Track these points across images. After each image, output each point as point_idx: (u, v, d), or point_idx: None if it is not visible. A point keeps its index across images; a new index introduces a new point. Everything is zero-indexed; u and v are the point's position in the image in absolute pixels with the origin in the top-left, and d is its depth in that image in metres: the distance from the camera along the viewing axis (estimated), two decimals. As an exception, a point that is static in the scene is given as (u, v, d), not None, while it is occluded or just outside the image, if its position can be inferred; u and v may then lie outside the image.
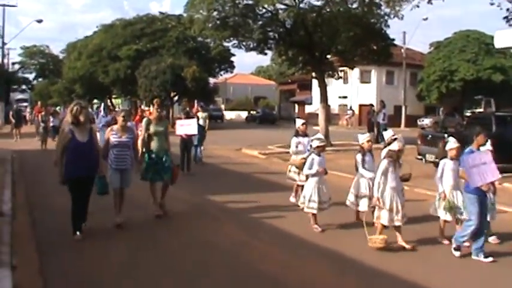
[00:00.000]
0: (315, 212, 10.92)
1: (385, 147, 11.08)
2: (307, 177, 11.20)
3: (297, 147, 13.39)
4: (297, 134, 13.60)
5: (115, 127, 11.24)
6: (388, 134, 11.05)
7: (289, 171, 13.68)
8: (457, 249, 9.29)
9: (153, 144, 11.99)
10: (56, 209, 12.02)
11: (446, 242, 9.93)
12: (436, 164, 18.59)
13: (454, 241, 9.34)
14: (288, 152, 26.48)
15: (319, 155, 11.00)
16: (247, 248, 9.82)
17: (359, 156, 11.46)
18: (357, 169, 11.52)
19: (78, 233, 9.96)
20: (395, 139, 10.09)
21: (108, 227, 10.75)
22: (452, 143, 10.15)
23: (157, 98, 12.65)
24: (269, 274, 8.28)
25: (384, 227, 9.75)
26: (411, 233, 10.21)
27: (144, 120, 12.49)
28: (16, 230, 10.34)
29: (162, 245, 9.94)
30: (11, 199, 13.25)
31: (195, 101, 51.37)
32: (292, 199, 13.56)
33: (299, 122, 13.80)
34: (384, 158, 9.94)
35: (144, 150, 11.97)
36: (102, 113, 26.83)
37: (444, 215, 10.13)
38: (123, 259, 8.94)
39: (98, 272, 8.25)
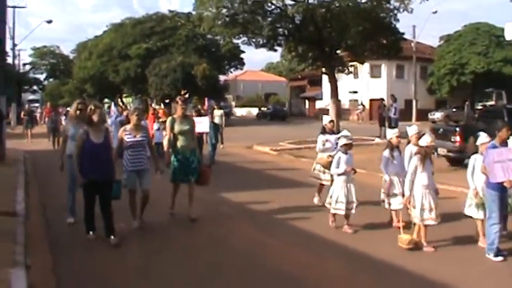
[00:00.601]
0: (342, 213, 10.58)
1: (408, 143, 10.94)
2: (332, 176, 10.98)
3: (323, 145, 12.78)
4: (323, 132, 13.02)
5: (128, 127, 10.81)
6: (412, 130, 10.83)
7: (314, 169, 13.13)
8: (496, 255, 8.80)
9: (179, 144, 11.39)
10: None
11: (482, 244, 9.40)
12: (450, 158, 18.80)
13: (489, 252, 8.87)
14: (300, 148, 26.78)
15: (346, 153, 10.70)
16: (262, 246, 9.78)
17: (386, 152, 10.81)
18: (386, 165, 10.89)
19: (91, 232, 9.85)
20: (423, 134, 9.77)
21: (120, 227, 10.37)
22: (483, 138, 9.62)
23: (181, 95, 11.99)
24: (286, 273, 8.24)
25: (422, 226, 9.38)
26: (437, 231, 9.78)
27: (169, 119, 11.92)
28: (30, 230, 10.36)
29: (176, 245, 9.90)
30: (24, 199, 13.29)
31: (206, 99, 51.35)
32: (316, 200, 13.04)
33: (326, 119, 13.26)
34: (414, 154, 9.65)
35: (170, 150, 11.53)
36: (114, 111, 26.77)
37: (476, 214, 9.63)
38: (137, 259, 8.94)
39: (110, 272, 8.27)
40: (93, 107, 9.89)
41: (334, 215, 10.80)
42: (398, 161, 10.76)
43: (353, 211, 10.60)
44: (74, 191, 11.09)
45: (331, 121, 13.29)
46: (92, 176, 9.50)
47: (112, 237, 9.58)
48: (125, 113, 23.97)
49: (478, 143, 9.67)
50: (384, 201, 10.88)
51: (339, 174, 10.62)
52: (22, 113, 37.11)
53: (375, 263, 8.77)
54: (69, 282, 7.80)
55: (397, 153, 10.82)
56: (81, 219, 10.26)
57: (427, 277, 7.99)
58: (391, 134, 11.05)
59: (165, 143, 11.99)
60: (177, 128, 11.41)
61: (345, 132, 11.12)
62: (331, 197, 10.73)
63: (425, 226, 9.36)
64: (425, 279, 7.93)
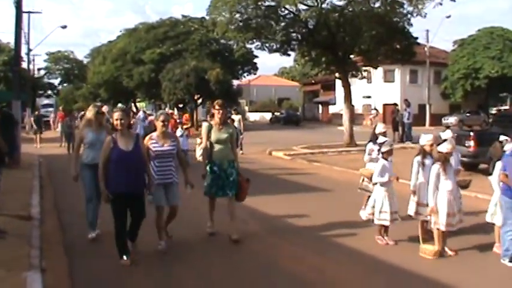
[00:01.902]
0: (387, 224, 10.00)
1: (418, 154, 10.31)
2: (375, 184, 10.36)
3: (370, 154, 11.85)
4: (374, 140, 11.79)
5: (154, 134, 9.56)
6: (446, 135, 10.33)
7: (363, 180, 11.97)
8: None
9: (215, 154, 10.21)
10: (83, 212, 12.09)
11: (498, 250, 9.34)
12: (464, 164, 18.69)
13: (504, 257, 8.84)
14: (313, 153, 26.74)
15: (387, 160, 10.18)
16: (276, 250, 9.78)
17: (418, 159, 10.11)
18: (418, 172, 10.12)
19: (125, 257, 8.67)
20: (445, 140, 9.58)
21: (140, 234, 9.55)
22: None
23: (219, 99, 10.86)
24: (299, 276, 8.28)
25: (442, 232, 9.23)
26: (452, 237, 9.72)
27: (205, 125, 10.58)
28: (45, 234, 10.45)
29: (190, 250, 9.82)
30: (40, 203, 13.39)
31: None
32: (363, 213, 11.40)
33: (380, 128, 11.90)
34: (434, 162, 9.40)
35: (206, 161, 10.28)
36: (141, 117, 26.55)
37: (500, 221, 9.33)
38: (156, 267, 8.86)
39: (126, 277, 8.27)
40: (119, 112, 8.81)
41: (385, 229, 10.15)
42: (430, 169, 9.75)
43: (398, 221, 10.11)
44: (95, 204, 10.27)
45: (386, 132, 11.95)
46: (119, 190, 8.38)
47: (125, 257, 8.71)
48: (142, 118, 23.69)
49: (507, 148, 9.27)
50: (412, 209, 10.24)
51: (383, 184, 10.07)
52: (32, 119, 36.71)
53: (392, 269, 8.74)
54: (84, 286, 7.87)
55: (429, 160, 9.95)
56: (104, 234, 10.02)
57: (441, 282, 7.98)
58: (425, 140, 10.22)
59: (200, 152, 10.64)
60: (214, 136, 10.25)
61: (383, 138, 10.68)
62: (373, 207, 10.12)
63: (446, 232, 9.26)
64: (439, 284, 7.92)
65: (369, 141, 12.09)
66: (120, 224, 8.57)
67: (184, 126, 22.46)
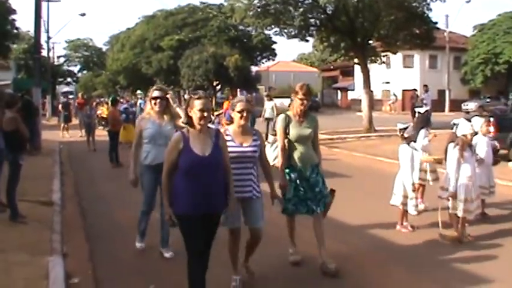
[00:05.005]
0: (414, 213, 9.68)
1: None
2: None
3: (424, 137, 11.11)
4: (426, 125, 11.30)
5: (230, 129, 6.82)
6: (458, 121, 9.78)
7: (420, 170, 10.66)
8: None
9: (295, 156, 7.67)
10: (103, 197, 12.21)
11: None
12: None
13: None
14: (332, 139, 26.66)
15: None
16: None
17: (457, 154, 9.05)
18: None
19: None
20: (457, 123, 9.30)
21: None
22: None
23: (303, 84, 7.83)
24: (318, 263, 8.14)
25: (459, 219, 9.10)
26: (476, 223, 9.72)
27: (281, 117, 7.87)
28: (66, 219, 10.56)
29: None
30: (60, 189, 13.51)
31: (238, 90, 51.35)
32: (421, 205, 10.64)
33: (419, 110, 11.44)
34: (454, 147, 9.11)
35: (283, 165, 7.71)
36: (141, 105, 25.31)
37: None
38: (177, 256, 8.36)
39: (146, 262, 8.26)
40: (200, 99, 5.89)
41: (405, 212, 9.74)
42: (471, 162, 9.25)
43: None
44: (149, 216, 8.56)
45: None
46: (191, 210, 5.83)
47: None
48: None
49: None
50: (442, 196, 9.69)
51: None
52: (60, 106, 35.33)
53: (412, 255, 8.70)
54: (105, 271, 7.87)
55: (469, 153, 9.21)
56: (126, 218, 10.05)
57: (461, 268, 7.96)
58: (465, 129, 9.14)
59: (274, 154, 8.11)
60: (294, 132, 7.66)
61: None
62: (404, 195, 9.60)
63: (465, 218, 9.15)
64: (459, 271, 7.89)
65: (421, 128, 11.29)
66: (195, 253, 5.96)
67: (216, 113, 20.39)
